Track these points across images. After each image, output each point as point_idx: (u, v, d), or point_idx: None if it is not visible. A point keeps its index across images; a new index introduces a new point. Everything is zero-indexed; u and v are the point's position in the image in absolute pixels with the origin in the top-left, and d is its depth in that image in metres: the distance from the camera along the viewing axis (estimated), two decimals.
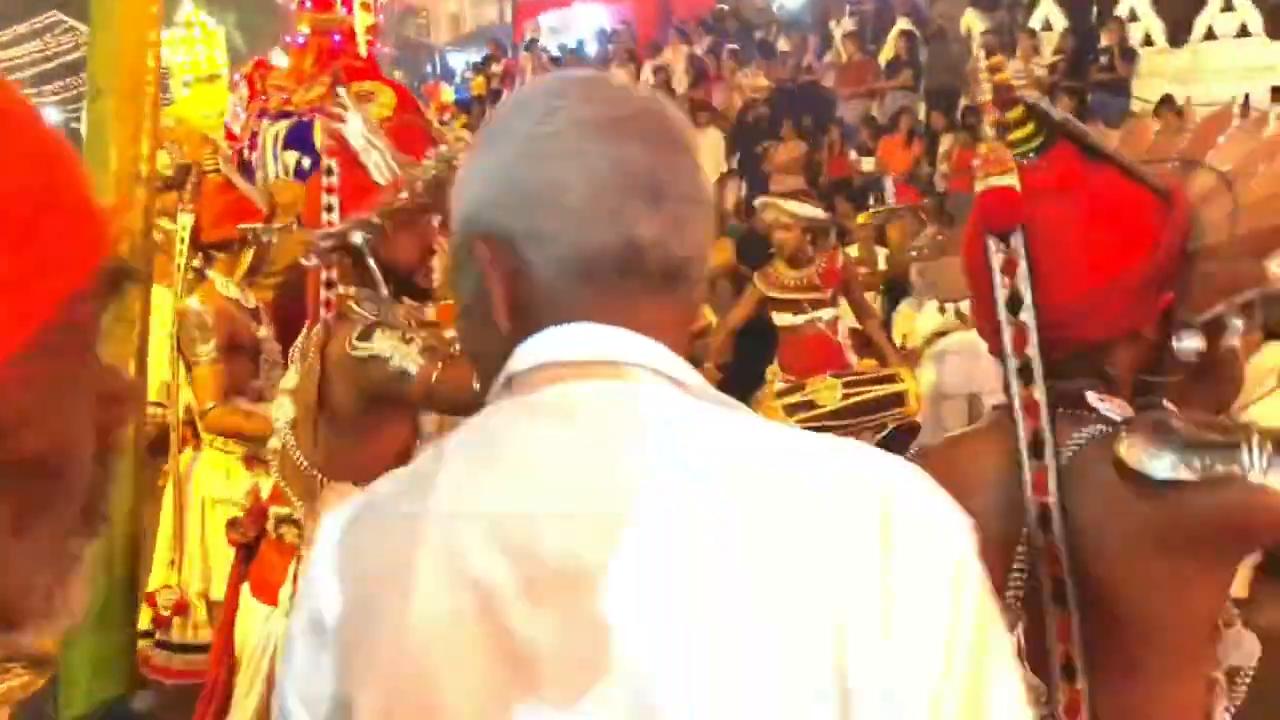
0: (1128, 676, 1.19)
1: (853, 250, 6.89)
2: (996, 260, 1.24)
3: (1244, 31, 10.04)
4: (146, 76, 2.44)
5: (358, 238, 2.29)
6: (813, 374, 5.07)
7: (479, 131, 0.88)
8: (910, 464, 0.78)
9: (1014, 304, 1.23)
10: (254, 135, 6.52)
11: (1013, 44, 10.60)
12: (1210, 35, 10.23)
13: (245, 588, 2.50)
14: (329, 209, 2.31)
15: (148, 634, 3.47)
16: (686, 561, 0.71)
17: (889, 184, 9.59)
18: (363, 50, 7.33)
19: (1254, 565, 1.42)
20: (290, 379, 2.44)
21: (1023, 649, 1.19)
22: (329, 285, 2.31)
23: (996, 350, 1.27)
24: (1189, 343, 1.22)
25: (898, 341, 5.82)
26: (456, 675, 0.72)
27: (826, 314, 5.22)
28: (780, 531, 0.71)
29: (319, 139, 3.49)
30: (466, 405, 1.96)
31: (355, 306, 2.30)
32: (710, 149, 11.23)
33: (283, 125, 6.24)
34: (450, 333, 2.52)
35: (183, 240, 3.57)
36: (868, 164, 10.64)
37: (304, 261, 2.39)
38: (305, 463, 2.35)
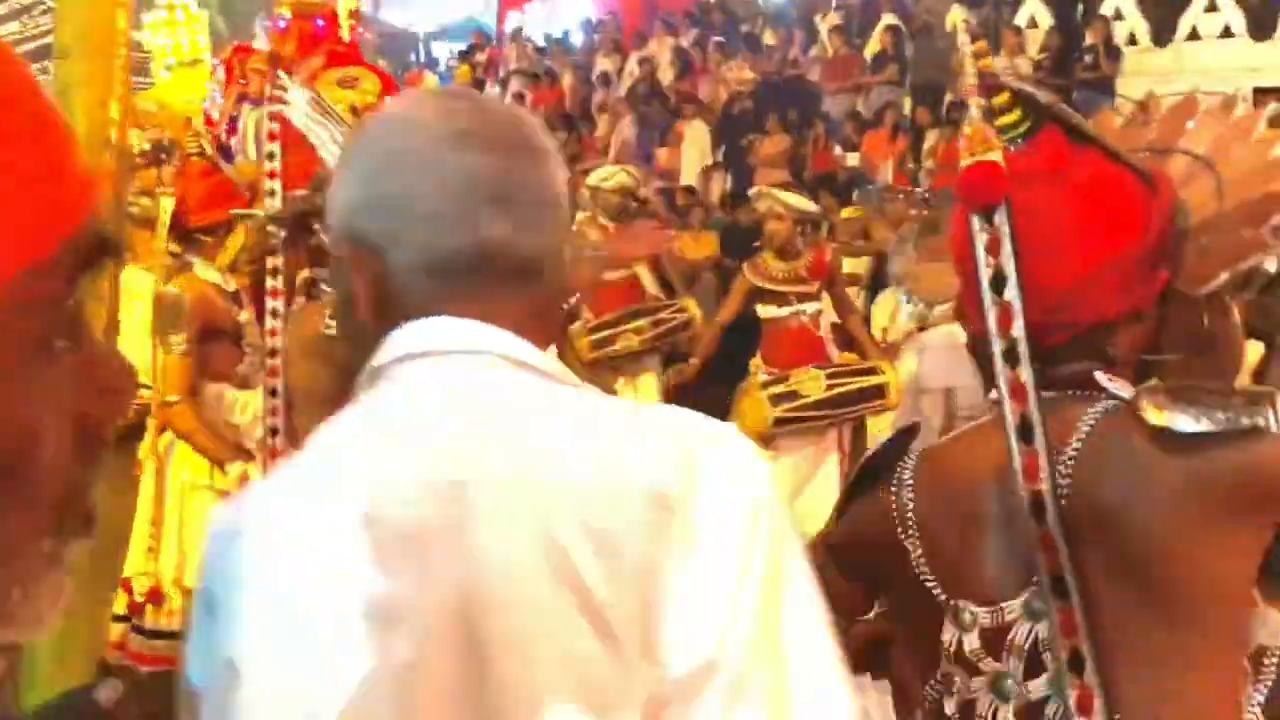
0: (1156, 665, 1.16)
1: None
2: (980, 239, 1.22)
3: (1227, 32, 10.08)
4: (116, 36, 2.29)
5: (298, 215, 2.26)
6: (795, 366, 5.12)
7: (349, 143, 0.99)
8: (726, 424, 0.92)
9: (998, 283, 1.21)
10: (233, 120, 6.46)
11: (998, 41, 10.60)
12: (1194, 35, 10.26)
13: None
14: (271, 194, 2.29)
15: (124, 619, 3.44)
16: (525, 518, 0.82)
17: (890, 173, 9.57)
18: (345, 35, 7.27)
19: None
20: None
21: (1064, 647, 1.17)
22: (274, 274, 2.28)
23: (982, 334, 1.26)
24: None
25: (877, 335, 5.84)
26: (329, 628, 0.81)
27: (810, 307, 5.25)
28: (607, 482, 0.83)
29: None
30: None
31: (326, 287, 2.28)
32: (696, 141, 11.21)
33: (264, 110, 6.19)
34: None
35: (164, 224, 3.53)
36: (852, 159, 10.63)
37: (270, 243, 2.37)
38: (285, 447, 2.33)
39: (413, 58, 19.00)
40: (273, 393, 2.44)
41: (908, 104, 11.20)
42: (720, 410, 5.56)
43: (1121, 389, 1.21)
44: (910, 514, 1.32)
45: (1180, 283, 1.22)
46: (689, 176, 10.83)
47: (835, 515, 1.48)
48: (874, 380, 5.13)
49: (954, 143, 7.36)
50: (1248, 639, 1.20)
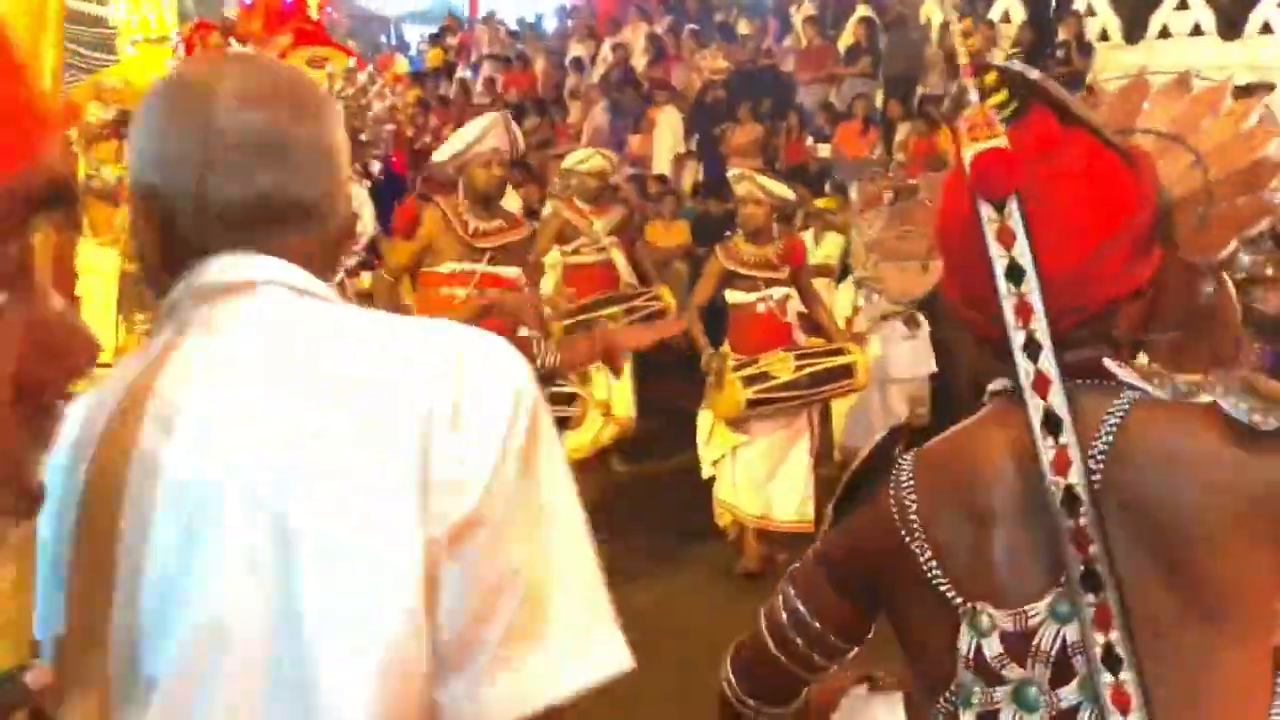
0: (1186, 666, 1.10)
1: (807, 236, 6.88)
2: (991, 229, 1.17)
3: (1198, 30, 10.16)
4: (49, 7, 2.13)
5: None
6: (763, 352, 5.13)
7: (143, 101, 1.06)
8: (491, 334, 1.01)
9: (1015, 274, 1.16)
10: None
11: (972, 35, 10.63)
12: (1165, 33, 10.33)
13: None
14: None
15: None
16: (299, 408, 0.92)
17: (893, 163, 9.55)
18: (314, 14, 7.17)
19: None
20: None
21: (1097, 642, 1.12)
22: None
23: (982, 328, 1.21)
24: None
25: (842, 325, 5.85)
26: (124, 512, 0.92)
27: (777, 292, 5.26)
28: (378, 375, 0.94)
29: None
30: None
31: None
32: (669, 129, 11.17)
33: None
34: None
35: (125, 198, 3.46)
36: (824, 150, 10.63)
37: None
38: None
39: (384, 40, 18.84)
40: None
41: (879, 97, 11.22)
42: (691, 395, 5.55)
43: (1132, 377, 1.17)
44: (914, 516, 1.25)
45: (1188, 254, 1.20)
46: (661, 164, 10.79)
47: (828, 528, 1.42)
48: (842, 360, 5.17)
49: (927, 138, 7.42)
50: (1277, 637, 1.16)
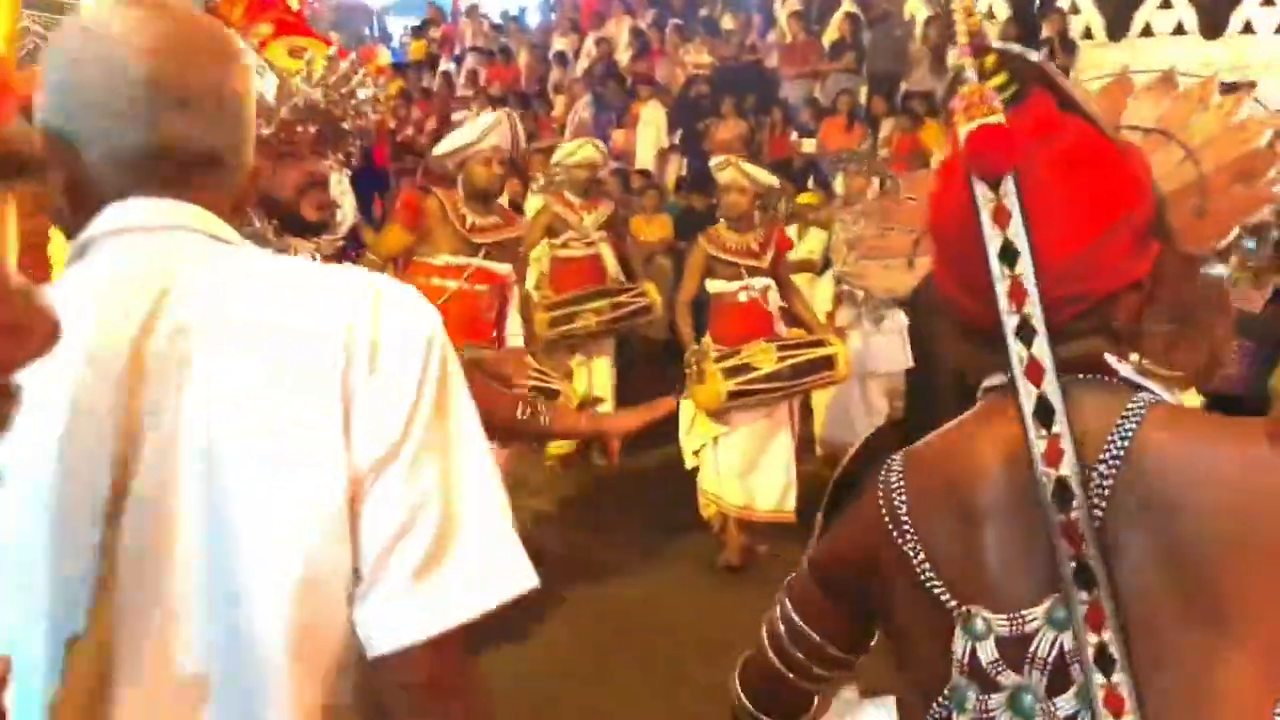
0: (1186, 673, 1.06)
1: (790, 231, 6.87)
2: (986, 209, 1.13)
3: (1180, 29, 10.20)
4: None
5: None
6: (745, 343, 5.12)
7: (51, 43, 1.08)
8: (403, 283, 1.07)
9: (1009, 255, 1.13)
10: None
11: (955, 30, 10.64)
12: (1148, 32, 10.38)
13: None
14: None
15: None
16: (242, 354, 0.99)
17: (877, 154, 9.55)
18: (295, 4, 7.12)
19: None
20: None
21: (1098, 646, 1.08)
22: None
23: (976, 318, 1.17)
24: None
25: (822, 319, 5.85)
26: (73, 443, 0.97)
27: (759, 282, 5.25)
28: (296, 320, 1.00)
29: None
30: None
31: None
32: (652, 124, 11.14)
33: None
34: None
35: None
36: (808, 145, 10.62)
37: None
38: None
39: (367, 32, 18.74)
40: None
41: (864, 92, 11.22)
42: (673, 388, 5.55)
43: (1134, 375, 1.15)
44: (905, 518, 1.22)
45: (1187, 246, 1.17)
46: (644, 159, 10.76)
47: (818, 535, 1.39)
48: (823, 351, 5.16)
49: (911, 134, 7.41)
50: None
